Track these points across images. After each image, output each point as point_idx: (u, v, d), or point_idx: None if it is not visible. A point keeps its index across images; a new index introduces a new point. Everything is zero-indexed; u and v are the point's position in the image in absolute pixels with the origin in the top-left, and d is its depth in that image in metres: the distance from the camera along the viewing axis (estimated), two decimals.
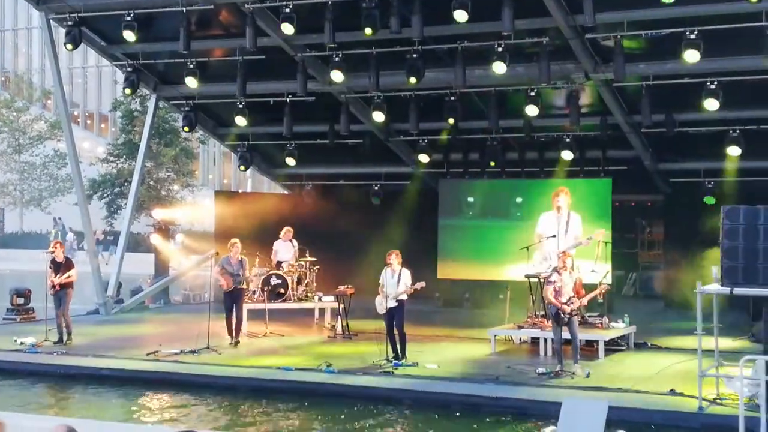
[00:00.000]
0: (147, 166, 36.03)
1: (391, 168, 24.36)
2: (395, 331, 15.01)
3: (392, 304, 14.85)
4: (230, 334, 16.99)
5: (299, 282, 19.59)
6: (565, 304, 13.89)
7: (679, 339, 16.65)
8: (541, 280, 16.68)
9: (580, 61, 17.34)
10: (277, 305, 18.76)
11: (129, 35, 18.17)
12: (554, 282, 14.08)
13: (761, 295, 11.91)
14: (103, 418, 12.02)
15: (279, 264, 19.47)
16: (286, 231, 19.97)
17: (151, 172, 41.43)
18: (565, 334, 14.18)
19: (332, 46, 17.60)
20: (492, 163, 22.16)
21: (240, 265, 17.10)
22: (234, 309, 17.06)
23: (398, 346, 15.01)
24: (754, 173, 20.21)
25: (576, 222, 16.48)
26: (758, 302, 14.63)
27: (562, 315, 13.91)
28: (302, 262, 19.87)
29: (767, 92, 17.57)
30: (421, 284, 14.79)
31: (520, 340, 17.11)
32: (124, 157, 42.75)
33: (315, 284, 20.05)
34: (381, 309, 15.03)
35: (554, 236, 16.32)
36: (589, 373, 13.68)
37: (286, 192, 27.81)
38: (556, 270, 14.30)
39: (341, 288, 18.19)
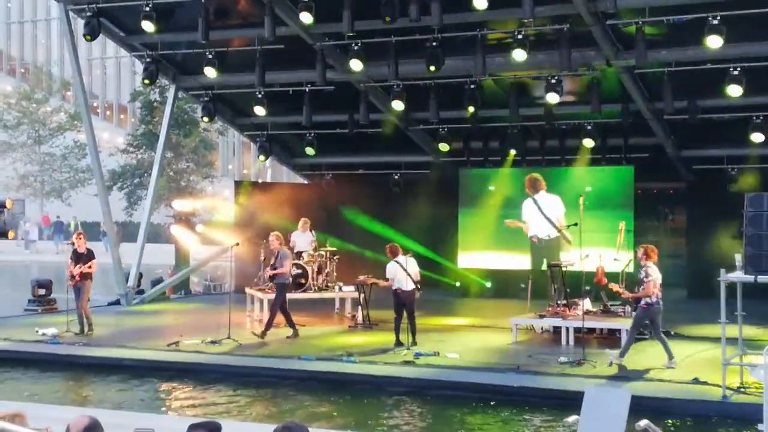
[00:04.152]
0: (167, 157, 36.11)
1: (410, 157, 24.30)
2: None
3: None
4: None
5: (319, 272, 19.55)
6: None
7: (703, 327, 16.55)
8: (564, 269, 16.62)
9: (602, 47, 17.16)
10: (298, 295, 18.73)
11: (148, 26, 18.14)
12: None
13: None
14: (125, 409, 12.07)
15: (299, 254, 19.44)
16: (303, 222, 19.96)
17: (171, 163, 41.55)
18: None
19: (351, 34, 17.53)
20: (512, 152, 22.06)
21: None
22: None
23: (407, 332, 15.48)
24: None
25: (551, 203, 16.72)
26: None
27: None
28: (322, 252, 19.83)
29: None
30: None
31: (542, 329, 17.03)
32: (144, 147, 42.87)
33: (335, 274, 20.02)
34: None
35: (575, 224, 16.20)
36: (612, 362, 13.60)
37: (306, 182, 27.78)
38: None
39: (361, 277, 18.14)
